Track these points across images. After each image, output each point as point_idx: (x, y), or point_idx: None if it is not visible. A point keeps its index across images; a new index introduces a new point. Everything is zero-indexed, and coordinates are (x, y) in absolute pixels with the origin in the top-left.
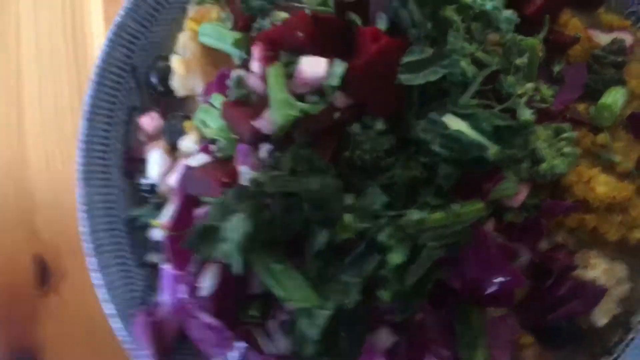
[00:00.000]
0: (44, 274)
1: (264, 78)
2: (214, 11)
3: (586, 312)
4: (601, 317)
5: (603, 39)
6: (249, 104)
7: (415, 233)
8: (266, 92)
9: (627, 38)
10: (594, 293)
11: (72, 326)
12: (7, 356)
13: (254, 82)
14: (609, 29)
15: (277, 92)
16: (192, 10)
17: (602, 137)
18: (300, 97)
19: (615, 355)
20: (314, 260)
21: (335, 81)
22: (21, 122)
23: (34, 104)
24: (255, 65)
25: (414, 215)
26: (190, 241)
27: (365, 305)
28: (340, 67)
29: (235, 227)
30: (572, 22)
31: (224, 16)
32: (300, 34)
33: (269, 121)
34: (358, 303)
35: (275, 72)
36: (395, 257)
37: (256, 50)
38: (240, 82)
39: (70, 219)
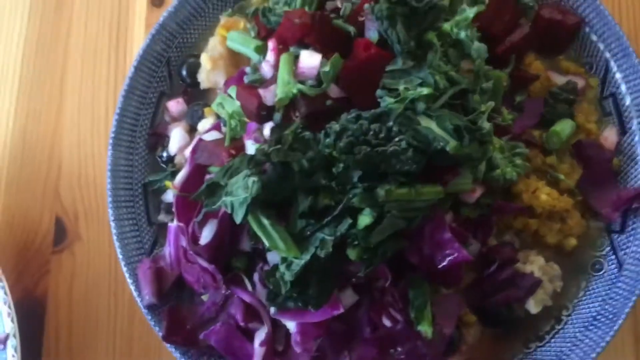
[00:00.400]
0: (62, 234)
1: (274, 66)
2: (242, 22)
3: (522, 299)
4: (535, 306)
5: (560, 80)
6: (258, 86)
7: (382, 202)
8: (274, 77)
9: (580, 82)
10: (530, 283)
11: (80, 282)
12: (19, 302)
13: (266, 69)
14: (566, 72)
15: (284, 75)
16: (223, 19)
17: (550, 158)
18: (302, 83)
19: (544, 342)
20: (297, 219)
21: (330, 73)
22: (62, 106)
23: (74, 92)
24: (269, 55)
25: (385, 186)
26: (199, 194)
27: (334, 262)
28: (336, 61)
29: (243, 185)
30: (535, 64)
31: (249, 27)
32: (297, 21)
33: (272, 94)
34: (329, 258)
35: (285, 59)
36: (364, 219)
37: (271, 43)
38: (255, 69)
39: (93, 189)
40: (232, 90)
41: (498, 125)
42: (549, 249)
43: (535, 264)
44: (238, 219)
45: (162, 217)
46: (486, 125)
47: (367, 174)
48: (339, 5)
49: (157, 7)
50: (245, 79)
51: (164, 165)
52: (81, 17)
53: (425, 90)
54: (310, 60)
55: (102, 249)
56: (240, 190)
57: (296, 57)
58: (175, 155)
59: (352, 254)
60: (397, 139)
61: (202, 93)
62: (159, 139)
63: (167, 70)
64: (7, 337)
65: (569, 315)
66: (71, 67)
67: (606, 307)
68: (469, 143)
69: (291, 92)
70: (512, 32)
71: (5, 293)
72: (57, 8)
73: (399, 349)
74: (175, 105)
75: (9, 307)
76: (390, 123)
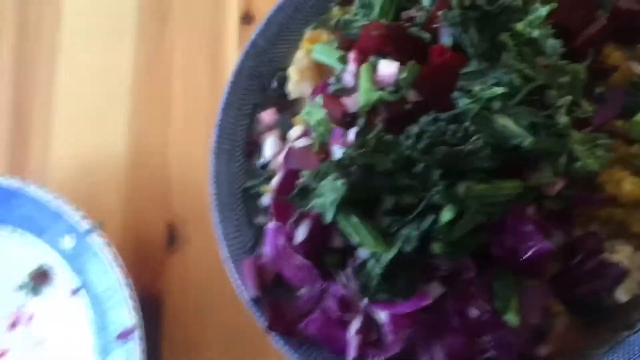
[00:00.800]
0: (173, 238)
1: (355, 75)
2: (325, 35)
3: (609, 289)
4: (623, 295)
5: None
6: (342, 95)
7: (463, 198)
8: (356, 85)
9: None
10: (618, 272)
11: (191, 280)
12: (139, 299)
13: (348, 78)
14: None
15: (365, 83)
16: (308, 33)
17: (634, 148)
18: (382, 90)
19: (635, 330)
20: (383, 217)
21: (408, 79)
22: (168, 118)
23: (179, 108)
24: (351, 65)
25: (464, 184)
26: (292, 197)
27: (420, 256)
28: (413, 68)
29: (331, 187)
30: (614, 54)
31: (332, 39)
32: (374, 33)
33: (355, 102)
34: (415, 252)
35: (366, 68)
36: (446, 215)
37: (352, 54)
38: (338, 79)
39: (198, 195)
40: (319, 99)
41: (578, 118)
42: (636, 237)
43: (622, 253)
44: (328, 218)
45: (260, 219)
46: (563, 120)
47: (446, 173)
48: (414, 14)
49: (247, 25)
50: (330, 89)
51: (260, 171)
52: (182, 39)
53: (499, 90)
54: (388, 68)
55: (208, 250)
56: (329, 192)
57: (375, 66)
58: (270, 161)
59: (436, 247)
60: (474, 138)
61: (291, 103)
62: (255, 147)
63: (258, 84)
64: (133, 329)
65: None
66: (175, 85)
67: None
68: (546, 138)
69: (372, 99)
70: (588, 25)
71: (131, 289)
72: (159, 33)
73: (487, 337)
74: (267, 116)
75: (134, 301)
76: (467, 123)
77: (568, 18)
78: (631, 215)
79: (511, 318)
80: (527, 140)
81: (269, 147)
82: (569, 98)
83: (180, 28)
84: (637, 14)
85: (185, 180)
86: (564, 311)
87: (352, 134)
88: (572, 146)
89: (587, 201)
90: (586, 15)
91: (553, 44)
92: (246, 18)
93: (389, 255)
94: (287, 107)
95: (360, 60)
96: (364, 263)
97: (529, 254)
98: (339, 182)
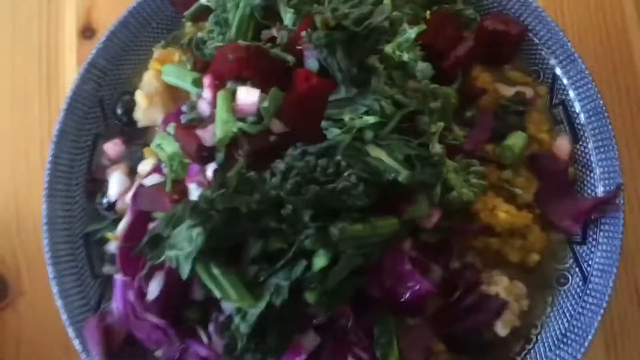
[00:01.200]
0: (3, 290)
1: (212, 103)
2: (177, 54)
3: (489, 322)
4: (503, 328)
5: (508, 91)
6: (197, 126)
7: (337, 241)
8: (213, 115)
9: (528, 91)
10: (496, 305)
11: (26, 340)
12: None
13: (203, 106)
14: (514, 83)
15: (222, 112)
16: (157, 52)
17: (506, 173)
18: (242, 120)
19: None
20: (249, 265)
21: (271, 108)
22: None
23: (5, 138)
24: (206, 92)
25: (338, 225)
26: (142, 248)
27: (292, 307)
28: (276, 95)
29: (187, 237)
30: (482, 77)
31: (185, 59)
32: (231, 57)
33: (212, 134)
34: (286, 303)
35: (222, 96)
36: (319, 261)
37: (206, 80)
38: (192, 107)
39: (32, 240)
40: (171, 129)
41: (450, 145)
42: (512, 266)
43: (500, 285)
44: (184, 274)
45: (107, 269)
46: (438, 149)
47: (318, 213)
48: (275, 34)
49: (88, 40)
50: (183, 119)
51: (105, 213)
52: (6, 54)
53: (371, 119)
54: (248, 96)
55: (49, 303)
56: (184, 243)
57: (234, 93)
58: (116, 201)
59: (310, 297)
60: (346, 174)
61: (140, 132)
62: (98, 184)
63: (100, 111)
64: None
65: (538, 333)
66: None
67: (574, 322)
68: (421, 170)
69: (231, 131)
70: (456, 46)
71: None
72: None
73: None
74: (112, 147)
75: None
76: (339, 157)
77: (436, 39)
78: (507, 244)
79: None
80: (403, 174)
81: (115, 184)
82: (441, 124)
83: (3, 42)
84: (503, 34)
85: (18, 224)
86: (445, 350)
87: (210, 170)
88: (446, 176)
89: (463, 232)
90: (453, 35)
91: (423, 68)
92: (86, 31)
93: (256, 310)
94: (135, 137)
95: (216, 86)
96: (229, 318)
97: (408, 295)
98: (195, 232)
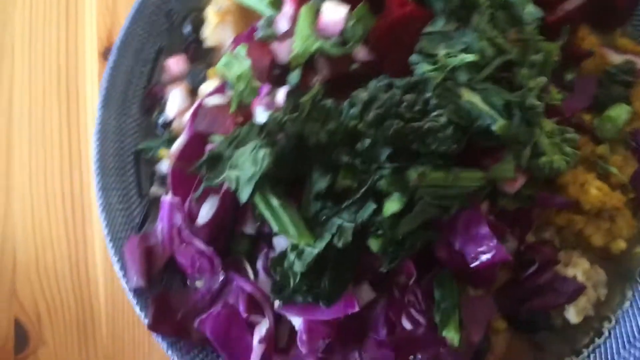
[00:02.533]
0: (23, 339)
1: (292, 19)
2: None
3: (561, 305)
4: (576, 315)
5: (615, 58)
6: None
7: (415, 186)
8: (292, 31)
9: (638, 62)
10: (572, 289)
11: None
12: None
13: (282, 22)
14: (624, 51)
15: (304, 28)
16: None
17: (602, 148)
18: (324, 39)
19: (582, 356)
20: (312, 201)
21: (358, 30)
22: (10, 184)
23: (23, 166)
24: (287, 6)
25: (418, 168)
26: (199, 165)
27: (353, 252)
28: (365, 17)
29: (252, 158)
30: (589, 38)
31: None
32: None
33: (288, 49)
34: (347, 248)
35: (306, 10)
36: (392, 205)
37: None
38: (269, 23)
39: (52, 281)
40: (242, 49)
41: (546, 105)
42: (593, 250)
43: (579, 267)
44: (243, 197)
45: (155, 189)
46: (537, 104)
47: (397, 153)
48: None
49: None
50: (258, 34)
51: (160, 131)
52: (24, 75)
53: (469, 57)
54: (334, 13)
55: (71, 353)
56: (247, 164)
57: (319, 10)
58: (173, 120)
59: (374, 244)
60: (435, 113)
61: (206, 52)
62: (156, 100)
63: (167, 23)
64: None
65: (612, 328)
66: (17, 135)
67: None
68: (519, 122)
69: (310, 48)
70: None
71: None
72: None
73: (419, 356)
74: (175, 64)
75: None
76: (428, 94)
77: None
78: (592, 225)
79: (451, 336)
80: (499, 123)
81: (174, 102)
82: (543, 79)
83: (21, 65)
84: None
85: (37, 263)
86: (507, 328)
87: (281, 93)
88: (539, 138)
89: (547, 203)
90: None
91: (532, 12)
92: (107, 53)
93: (314, 249)
94: (201, 56)
95: (300, 2)
96: (282, 256)
97: (480, 261)
98: (262, 153)
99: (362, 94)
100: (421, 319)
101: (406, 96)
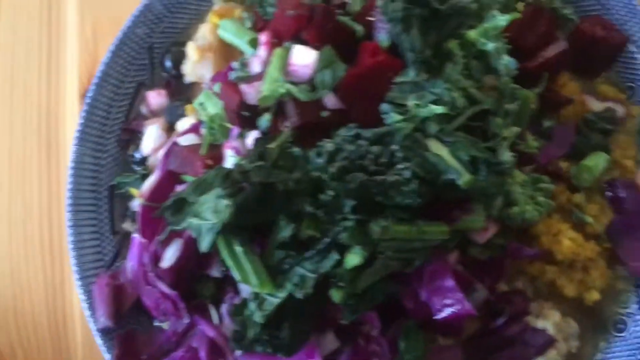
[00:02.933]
0: None
1: (265, 62)
2: (237, 10)
3: (530, 358)
4: None
5: (596, 105)
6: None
7: (377, 240)
8: (263, 73)
9: (619, 109)
10: (542, 341)
11: None
12: None
13: (256, 64)
14: (604, 98)
15: (273, 71)
16: (217, 4)
17: (578, 197)
18: (293, 84)
19: None
20: (275, 249)
21: (328, 77)
22: None
23: (2, 212)
24: (261, 49)
25: (381, 222)
26: (163, 210)
27: (314, 303)
28: (335, 64)
29: (214, 207)
30: (569, 85)
31: (245, 16)
32: (291, 13)
33: (256, 91)
34: (308, 298)
35: (278, 54)
36: (353, 258)
37: (264, 37)
38: (243, 65)
39: (30, 327)
40: (217, 88)
41: (521, 153)
42: (566, 302)
43: (550, 319)
44: (203, 247)
45: (127, 225)
46: (508, 157)
47: (361, 205)
48: (348, 0)
49: None
50: (231, 75)
51: (135, 167)
52: (4, 117)
53: (439, 109)
54: (303, 56)
55: None
56: (209, 213)
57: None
58: (148, 156)
59: (336, 296)
60: (400, 167)
61: (185, 87)
62: (133, 136)
63: (149, 58)
64: None
65: None
66: None
67: None
68: (486, 177)
69: (278, 91)
70: (547, 46)
71: None
72: None
73: None
74: (155, 97)
75: None
76: (395, 146)
77: (526, 34)
78: (565, 276)
79: None
80: (464, 178)
81: (150, 138)
82: (516, 130)
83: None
84: (601, 41)
85: (15, 308)
86: None
87: (250, 138)
88: (511, 188)
89: (518, 254)
90: (546, 34)
91: (508, 62)
92: None
93: (275, 299)
94: (181, 92)
95: (273, 45)
96: (243, 304)
97: (445, 313)
98: (224, 203)
99: (328, 145)
100: None
101: (372, 148)
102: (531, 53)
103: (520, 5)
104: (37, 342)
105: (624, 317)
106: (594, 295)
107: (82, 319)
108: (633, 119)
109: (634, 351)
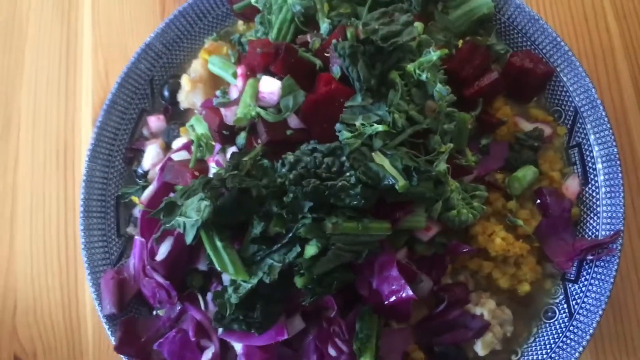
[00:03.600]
0: None
1: (241, 90)
2: (225, 48)
3: (469, 340)
4: (483, 348)
5: (526, 126)
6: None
7: (329, 234)
8: (239, 99)
9: (547, 129)
10: (478, 325)
11: None
12: None
13: (234, 92)
14: (534, 120)
15: (246, 97)
16: (208, 43)
17: (511, 204)
18: (264, 109)
19: None
20: (249, 244)
21: (290, 102)
22: (13, 239)
23: (25, 224)
24: (238, 80)
25: (333, 219)
26: (157, 211)
27: (281, 289)
28: (295, 91)
29: (196, 207)
30: (504, 109)
31: (231, 53)
32: (258, 50)
33: (233, 114)
34: (275, 283)
35: (250, 84)
36: (310, 249)
37: (240, 69)
38: (224, 93)
39: (48, 325)
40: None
41: (461, 166)
42: (504, 293)
43: (485, 307)
44: (188, 239)
45: (130, 229)
46: (442, 167)
47: (318, 206)
48: (309, 40)
49: None
50: (214, 101)
51: (138, 180)
52: (28, 142)
53: (380, 128)
54: (269, 85)
55: None
56: (193, 212)
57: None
58: (149, 170)
59: (298, 281)
60: (347, 174)
61: (181, 113)
62: (136, 154)
63: (150, 89)
64: None
65: None
66: (21, 198)
67: (553, 355)
68: (418, 183)
69: (250, 113)
70: (482, 76)
71: None
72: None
73: None
74: (155, 121)
75: None
76: (344, 158)
77: (464, 66)
78: (499, 270)
79: None
80: (400, 183)
81: (150, 155)
82: (450, 145)
83: (26, 132)
84: (530, 72)
85: (35, 308)
86: (425, 359)
87: (229, 152)
88: (449, 194)
89: (456, 250)
90: (481, 66)
91: (440, 89)
92: None
93: (248, 285)
94: (177, 117)
95: (247, 76)
96: (223, 290)
97: (393, 298)
98: (204, 204)
99: (290, 156)
100: (344, 347)
101: (326, 159)
102: (469, 82)
103: (460, 43)
104: (54, 337)
105: (553, 307)
106: (525, 287)
107: (93, 317)
108: (560, 138)
109: (559, 335)
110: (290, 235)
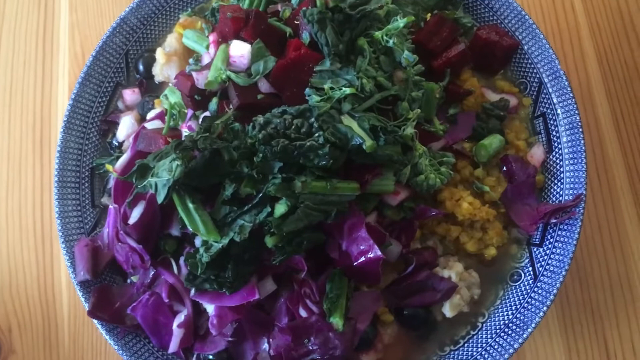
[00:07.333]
0: None
1: (213, 57)
2: (199, 22)
3: (437, 302)
4: (450, 310)
5: (493, 97)
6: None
7: (299, 193)
8: (211, 64)
9: (513, 100)
10: (445, 287)
11: None
12: None
13: (206, 59)
14: (501, 91)
15: (218, 61)
16: (182, 18)
17: (478, 171)
18: (234, 72)
19: (458, 346)
20: (221, 205)
21: (260, 66)
22: None
23: (1, 193)
24: (210, 47)
25: (302, 178)
26: (130, 174)
27: (252, 249)
28: (266, 56)
29: (168, 167)
30: (471, 80)
31: (205, 27)
32: (229, 14)
33: (205, 78)
34: (246, 243)
35: (221, 49)
36: (280, 208)
37: (212, 37)
38: (197, 60)
39: (23, 300)
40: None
41: (428, 131)
42: (471, 257)
43: (453, 270)
44: (160, 199)
45: (105, 199)
46: (409, 132)
47: (287, 166)
48: (279, 9)
49: None
50: (187, 69)
51: (112, 151)
52: (4, 121)
53: (347, 91)
54: (240, 49)
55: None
56: (164, 173)
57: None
58: (123, 142)
59: (268, 241)
60: (316, 135)
61: (156, 86)
62: (111, 126)
63: (125, 62)
64: None
65: (485, 322)
66: None
67: (518, 315)
68: (385, 143)
69: (221, 77)
70: (449, 48)
71: None
72: None
73: (312, 339)
74: (130, 94)
75: None
76: (313, 119)
77: (431, 38)
78: (466, 234)
79: (336, 321)
80: (367, 143)
81: (124, 127)
82: (417, 111)
83: (3, 111)
84: (495, 44)
85: (10, 283)
86: (394, 322)
87: (202, 117)
88: (418, 160)
89: (424, 214)
90: (448, 38)
91: (408, 55)
92: None
93: (219, 245)
94: (151, 90)
95: (219, 43)
96: (195, 251)
97: (362, 259)
98: (175, 163)
99: (260, 118)
100: (314, 308)
101: (295, 120)
102: (437, 53)
103: (428, 16)
104: (29, 312)
105: (519, 270)
106: (492, 251)
107: (69, 291)
108: (525, 108)
109: (524, 296)
110: (260, 195)
